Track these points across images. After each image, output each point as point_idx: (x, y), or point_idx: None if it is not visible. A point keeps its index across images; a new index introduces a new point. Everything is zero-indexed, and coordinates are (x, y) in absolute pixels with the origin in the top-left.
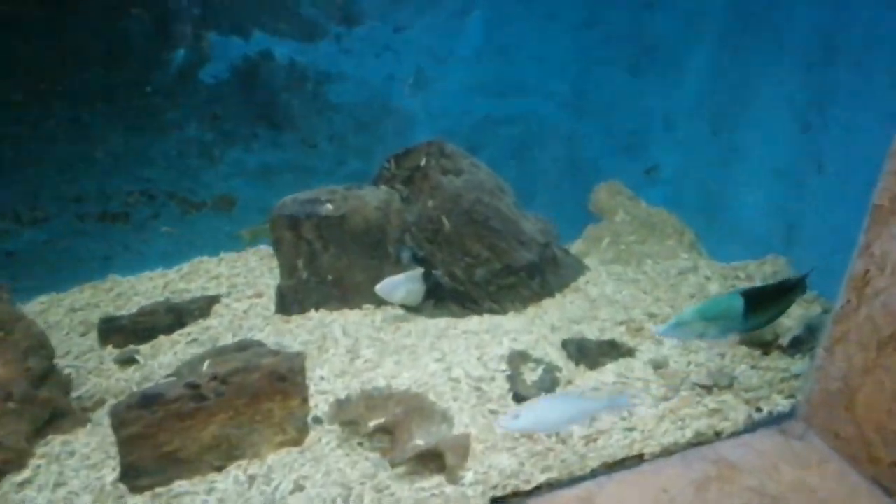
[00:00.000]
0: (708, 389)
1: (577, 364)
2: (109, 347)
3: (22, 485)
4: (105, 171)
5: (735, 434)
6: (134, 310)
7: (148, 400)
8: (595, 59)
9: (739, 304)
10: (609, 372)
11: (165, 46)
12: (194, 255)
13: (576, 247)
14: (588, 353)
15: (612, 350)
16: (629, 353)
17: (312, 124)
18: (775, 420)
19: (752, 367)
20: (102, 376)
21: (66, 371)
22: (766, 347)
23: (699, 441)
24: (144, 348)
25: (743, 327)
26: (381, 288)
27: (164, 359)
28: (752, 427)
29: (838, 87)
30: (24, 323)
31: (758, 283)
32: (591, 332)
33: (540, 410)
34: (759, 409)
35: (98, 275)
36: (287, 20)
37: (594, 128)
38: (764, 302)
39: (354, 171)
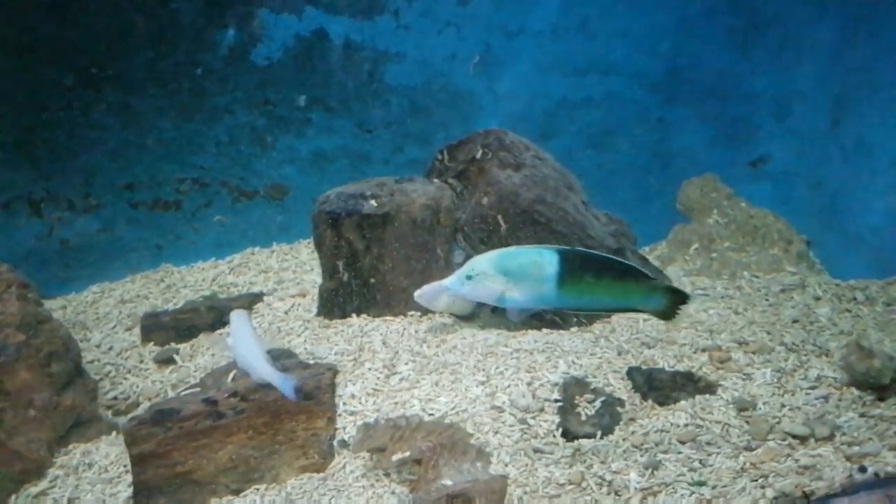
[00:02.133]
0: (802, 440)
1: (643, 398)
2: (151, 345)
3: (38, 497)
4: (156, 158)
5: (829, 497)
6: (181, 303)
7: (162, 416)
8: (693, 33)
9: (553, 261)
10: (682, 411)
11: (215, 26)
12: (246, 246)
13: (658, 251)
14: (658, 385)
15: (689, 384)
16: (709, 388)
17: (368, 108)
18: (882, 483)
19: (861, 416)
20: (140, 376)
21: (107, 369)
22: (881, 391)
23: None
24: (184, 347)
25: (556, 299)
26: (420, 295)
27: (200, 360)
28: (851, 490)
29: None
30: (50, 325)
31: (879, 308)
32: (666, 360)
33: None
34: (862, 469)
35: (150, 264)
36: None
37: (688, 113)
38: (586, 272)
39: (412, 159)
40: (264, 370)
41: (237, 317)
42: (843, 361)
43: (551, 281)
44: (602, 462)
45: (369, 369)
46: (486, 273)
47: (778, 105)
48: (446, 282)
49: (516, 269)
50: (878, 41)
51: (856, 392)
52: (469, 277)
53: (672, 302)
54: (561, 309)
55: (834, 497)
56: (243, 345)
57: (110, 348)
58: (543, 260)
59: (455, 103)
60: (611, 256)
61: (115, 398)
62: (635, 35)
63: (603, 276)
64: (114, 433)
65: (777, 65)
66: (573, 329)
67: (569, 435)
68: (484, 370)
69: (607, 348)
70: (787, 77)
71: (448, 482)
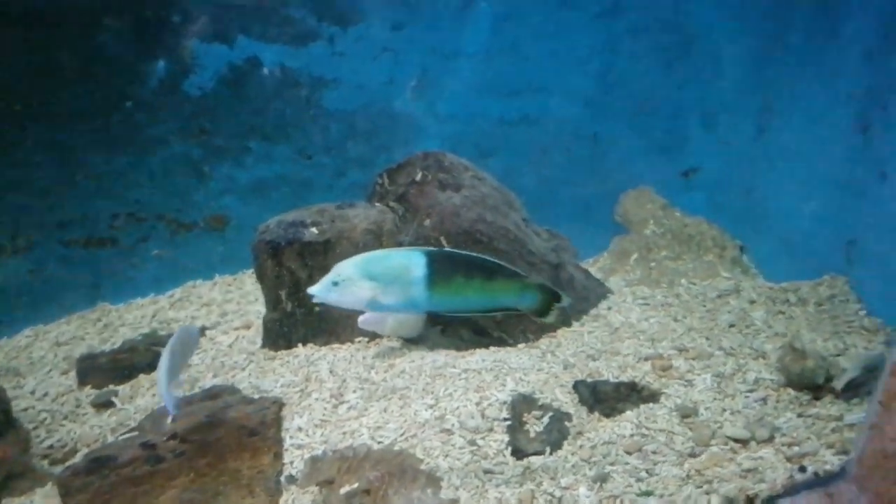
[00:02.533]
0: (744, 443)
1: (590, 410)
2: (88, 388)
3: None
4: (88, 194)
5: (772, 498)
6: (119, 343)
7: (97, 464)
8: (621, 51)
9: (420, 263)
10: (627, 421)
11: (144, 58)
12: (187, 279)
13: (601, 262)
14: (604, 397)
15: (633, 394)
16: (652, 397)
17: (307, 134)
18: (822, 481)
19: (799, 416)
20: (77, 421)
21: (42, 416)
22: (816, 391)
23: None
24: (123, 389)
25: (427, 303)
26: (364, 321)
27: (141, 401)
28: (793, 490)
29: None
30: None
31: (811, 309)
32: (610, 371)
33: None
34: (802, 469)
35: (86, 303)
36: (274, 23)
37: (621, 128)
38: (456, 272)
39: (355, 183)
40: (159, 383)
41: (178, 331)
42: (778, 363)
43: (420, 283)
44: (552, 478)
45: (316, 400)
46: (351, 278)
47: (705, 117)
48: (313, 289)
49: (383, 273)
50: (795, 55)
51: (792, 392)
52: (335, 283)
53: (546, 299)
54: (434, 313)
55: (776, 498)
56: (161, 358)
57: (45, 394)
58: (411, 262)
59: (395, 126)
60: (481, 255)
61: (51, 446)
62: (565, 54)
63: (474, 277)
64: (49, 484)
65: (702, 79)
66: (520, 346)
67: (518, 453)
68: (433, 393)
69: (554, 363)
70: (713, 90)
71: None
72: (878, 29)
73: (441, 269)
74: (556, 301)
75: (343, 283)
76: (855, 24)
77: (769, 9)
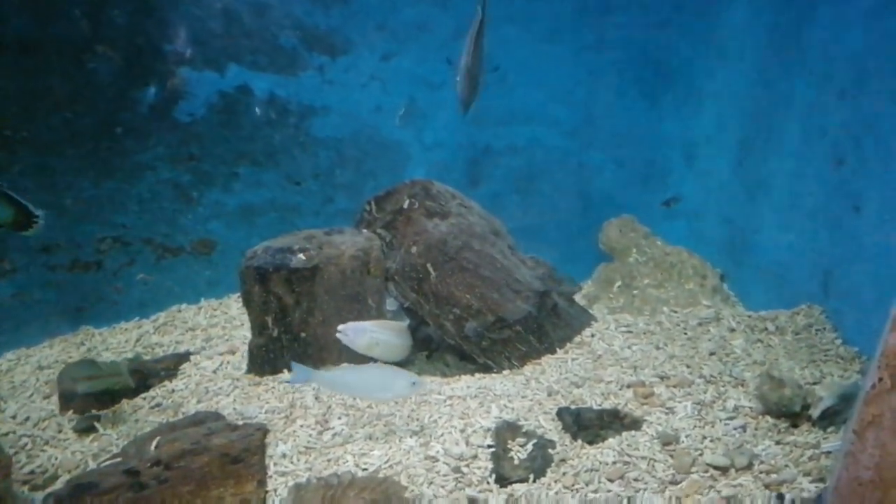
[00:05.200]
0: (723, 471)
1: (573, 438)
2: (70, 413)
3: None
4: (75, 218)
5: None
6: None
7: (79, 491)
8: (605, 84)
9: None
10: (610, 448)
11: (135, 85)
12: (172, 304)
13: (586, 290)
14: (587, 424)
15: (615, 421)
16: (634, 424)
17: (296, 161)
18: None
19: (777, 443)
20: (59, 447)
21: (23, 441)
22: (794, 419)
23: None
24: (106, 414)
25: None
26: (343, 329)
27: (124, 427)
28: None
29: (875, 117)
30: None
31: (788, 338)
32: (594, 398)
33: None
34: (780, 497)
35: (70, 327)
36: (265, 52)
37: (605, 158)
38: None
39: (343, 209)
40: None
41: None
42: (757, 391)
43: None
44: None
45: (301, 426)
46: None
47: (687, 149)
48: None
49: None
50: (772, 90)
51: (771, 420)
52: None
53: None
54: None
55: None
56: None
57: (27, 419)
58: None
59: (383, 153)
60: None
61: (31, 472)
62: (551, 86)
63: None
64: None
65: (684, 112)
66: (505, 372)
67: (502, 480)
68: (418, 420)
69: (538, 390)
70: (694, 123)
71: None
72: (851, 68)
73: None
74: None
75: None
76: (830, 63)
77: (747, 46)
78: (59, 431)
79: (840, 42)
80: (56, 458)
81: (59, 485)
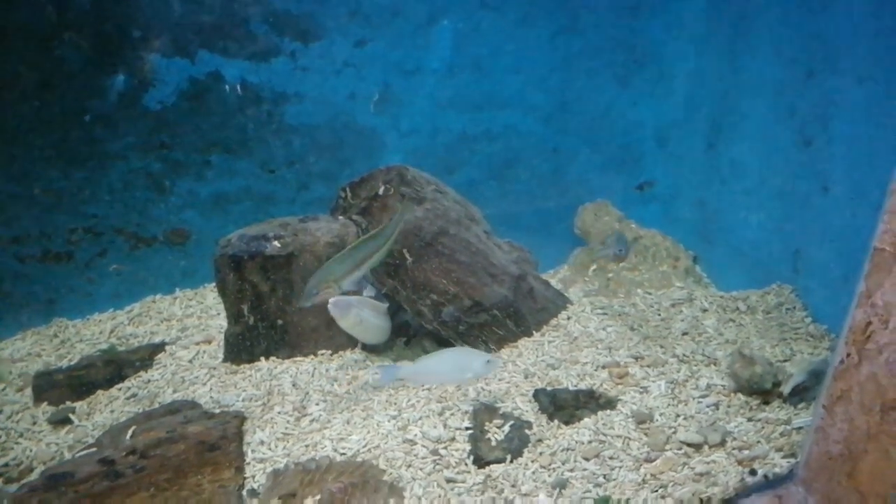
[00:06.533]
0: (697, 448)
1: (550, 418)
2: (44, 405)
3: None
4: (45, 208)
5: (724, 502)
6: (76, 359)
7: (54, 481)
8: (579, 69)
9: None
10: (585, 428)
11: (103, 72)
12: (147, 294)
13: (562, 273)
14: (563, 405)
15: (591, 401)
16: (609, 404)
17: (270, 148)
18: (771, 484)
19: (749, 420)
20: (33, 439)
21: None
22: (765, 396)
23: None
24: (80, 406)
25: None
26: (334, 303)
27: (99, 418)
28: (744, 493)
29: (841, 98)
30: None
31: (759, 317)
32: (570, 379)
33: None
34: (753, 472)
35: (42, 319)
36: (235, 38)
37: (579, 143)
38: None
39: (318, 197)
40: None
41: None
42: (729, 369)
43: None
44: (513, 486)
45: (279, 413)
46: None
47: (659, 132)
48: None
49: None
50: (742, 74)
51: (743, 398)
52: None
53: None
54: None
55: (728, 502)
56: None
57: (0, 411)
58: None
59: (358, 140)
60: None
61: (6, 465)
62: (526, 71)
63: None
64: (4, 502)
65: (656, 96)
66: None
67: (480, 461)
68: (395, 404)
69: (515, 372)
70: (666, 107)
71: None
72: (818, 49)
73: None
74: None
75: None
76: (797, 45)
77: (717, 29)
78: (34, 424)
79: (807, 22)
80: (31, 450)
81: (34, 476)
